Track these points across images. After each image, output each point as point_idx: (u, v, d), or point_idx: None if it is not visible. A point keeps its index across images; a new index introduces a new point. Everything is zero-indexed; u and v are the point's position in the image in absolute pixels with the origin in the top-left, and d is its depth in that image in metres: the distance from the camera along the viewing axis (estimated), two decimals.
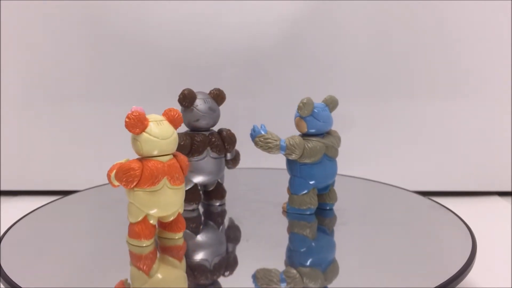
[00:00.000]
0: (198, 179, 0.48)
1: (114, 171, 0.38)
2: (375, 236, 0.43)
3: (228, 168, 0.51)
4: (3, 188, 0.74)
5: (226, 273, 0.36)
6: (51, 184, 0.73)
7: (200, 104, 0.47)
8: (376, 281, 0.35)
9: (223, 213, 0.49)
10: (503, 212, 0.66)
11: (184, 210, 0.48)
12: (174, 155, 0.40)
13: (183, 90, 0.47)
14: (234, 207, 0.51)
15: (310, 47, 0.71)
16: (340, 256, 0.39)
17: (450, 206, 0.50)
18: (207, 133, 0.48)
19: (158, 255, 0.39)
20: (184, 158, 0.41)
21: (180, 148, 0.46)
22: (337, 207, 0.49)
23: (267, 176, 0.64)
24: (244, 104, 0.70)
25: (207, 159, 0.48)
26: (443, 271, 0.34)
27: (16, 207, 0.68)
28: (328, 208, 0.48)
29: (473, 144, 0.72)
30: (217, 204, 0.51)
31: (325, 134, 0.47)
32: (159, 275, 0.35)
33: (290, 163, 0.47)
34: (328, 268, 0.36)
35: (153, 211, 0.39)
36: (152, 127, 0.38)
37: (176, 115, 0.39)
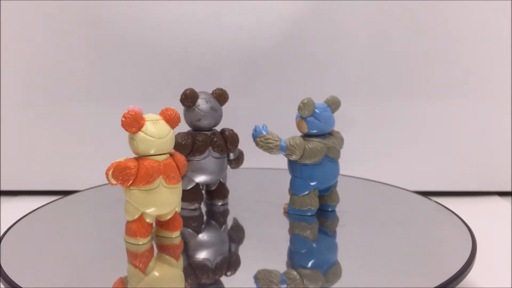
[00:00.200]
0: (199, 178, 0.48)
1: (112, 169, 0.38)
2: (375, 236, 0.43)
3: (232, 168, 0.51)
4: (3, 188, 0.74)
5: (228, 273, 0.36)
6: (51, 184, 0.73)
7: (202, 104, 0.47)
8: (376, 281, 0.35)
9: (225, 212, 0.49)
10: (503, 212, 0.66)
11: (186, 209, 0.48)
12: (171, 154, 0.40)
13: (185, 90, 0.47)
14: (237, 207, 0.51)
15: (311, 47, 0.71)
16: (340, 257, 0.39)
17: (450, 206, 0.50)
18: (209, 132, 0.48)
19: (155, 253, 0.39)
20: (181, 158, 0.41)
21: (181, 147, 0.46)
22: (338, 208, 0.49)
23: (270, 177, 0.64)
24: (245, 105, 0.70)
25: (209, 159, 0.48)
26: (443, 271, 0.34)
27: (16, 207, 0.68)
28: (330, 209, 0.48)
29: (473, 144, 0.72)
30: (220, 203, 0.51)
31: (327, 135, 0.46)
32: (156, 273, 0.36)
33: (291, 164, 0.47)
34: (329, 270, 0.36)
35: (148, 210, 0.39)
36: (148, 126, 0.38)
37: (173, 115, 0.40)
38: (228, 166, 0.51)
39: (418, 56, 0.70)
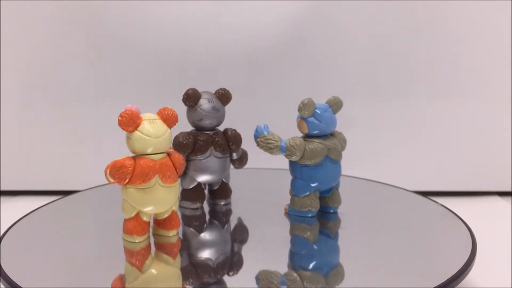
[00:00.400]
0: (202, 178, 0.48)
1: (109, 168, 0.39)
2: (375, 236, 0.43)
3: (235, 167, 0.51)
4: (3, 188, 0.74)
5: (230, 273, 0.36)
6: (51, 184, 0.73)
7: (204, 103, 0.47)
8: (376, 281, 0.35)
9: (227, 212, 0.49)
10: (503, 212, 0.66)
11: (188, 208, 0.49)
12: (169, 154, 0.40)
13: (187, 90, 0.47)
14: (239, 207, 0.51)
15: (311, 47, 0.71)
16: (341, 259, 0.39)
17: (450, 206, 0.50)
18: (211, 132, 0.48)
19: (153, 251, 0.39)
20: (179, 157, 0.41)
21: (182, 147, 0.46)
22: (339, 210, 0.49)
23: (274, 177, 0.64)
24: (245, 105, 0.70)
25: (211, 159, 0.48)
26: (443, 271, 0.34)
27: (16, 207, 0.68)
28: (331, 211, 0.48)
29: (473, 144, 0.72)
30: (222, 203, 0.51)
31: (328, 135, 0.46)
32: (152, 271, 0.36)
33: (292, 165, 0.47)
34: (330, 272, 0.36)
35: (144, 209, 0.39)
36: (145, 125, 0.38)
37: (170, 114, 0.40)
38: (232, 166, 0.51)
39: (418, 56, 0.70)
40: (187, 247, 0.41)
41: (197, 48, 0.71)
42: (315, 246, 0.41)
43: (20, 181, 0.74)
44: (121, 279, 0.35)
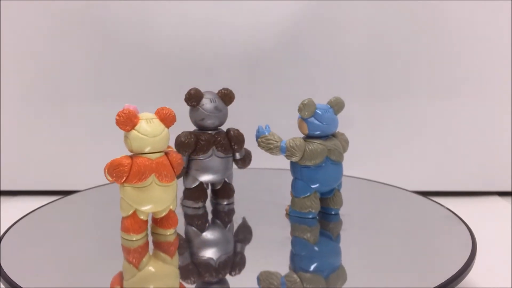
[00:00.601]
0: (204, 177, 0.49)
1: (107, 166, 0.39)
2: (375, 236, 0.43)
3: (239, 167, 0.51)
4: (3, 188, 0.74)
5: (232, 273, 0.36)
6: (51, 184, 0.73)
7: (206, 103, 0.47)
8: (376, 281, 0.35)
9: (229, 212, 0.49)
10: (503, 212, 0.66)
11: (191, 207, 0.49)
12: (166, 153, 0.41)
13: (190, 90, 0.47)
14: (242, 206, 0.51)
15: (311, 47, 0.71)
16: (342, 262, 0.39)
17: (450, 206, 0.50)
18: (213, 132, 0.48)
19: (151, 249, 0.40)
20: (177, 156, 0.41)
21: (184, 146, 0.46)
22: (340, 211, 0.48)
23: (278, 177, 0.63)
24: (247, 105, 0.70)
25: (213, 158, 0.48)
26: (443, 271, 0.34)
27: (16, 207, 0.68)
28: (333, 213, 0.48)
29: (473, 144, 0.72)
30: (225, 203, 0.51)
31: (330, 136, 0.46)
32: (149, 269, 0.36)
33: (292, 165, 0.46)
34: (330, 274, 0.35)
35: (141, 207, 0.40)
36: (142, 125, 0.39)
37: (168, 114, 0.40)
38: (236, 166, 0.51)
39: (418, 56, 0.70)
40: (188, 246, 0.41)
41: (198, 48, 0.71)
42: (315, 248, 0.41)
43: (20, 181, 0.74)
44: (121, 276, 0.35)
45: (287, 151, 0.45)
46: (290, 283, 0.34)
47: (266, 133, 0.46)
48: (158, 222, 0.42)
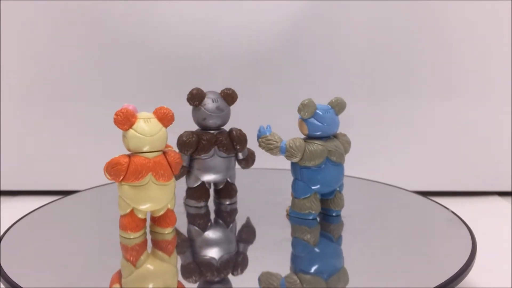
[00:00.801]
0: (206, 177, 0.49)
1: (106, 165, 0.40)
2: (375, 236, 0.43)
3: (242, 167, 0.51)
4: (3, 188, 0.74)
5: (234, 273, 0.36)
6: (51, 184, 0.73)
7: (208, 103, 0.47)
8: (376, 280, 0.35)
9: (231, 212, 0.49)
10: (503, 212, 0.66)
11: (193, 207, 0.49)
12: (165, 152, 0.41)
13: (192, 89, 0.47)
14: (244, 206, 0.51)
15: (311, 47, 0.71)
16: (341, 262, 0.39)
17: (450, 206, 0.50)
18: (215, 132, 0.48)
19: (149, 248, 0.40)
20: (175, 155, 0.41)
21: (185, 145, 0.46)
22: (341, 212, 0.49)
23: (282, 178, 0.63)
24: (247, 105, 0.70)
25: (215, 158, 0.48)
26: (443, 271, 0.34)
27: (16, 207, 0.68)
28: (334, 214, 0.47)
29: (473, 144, 0.72)
30: (227, 203, 0.51)
31: (331, 137, 0.46)
32: (147, 267, 0.36)
33: (293, 166, 0.46)
34: (331, 276, 0.35)
35: (138, 206, 0.40)
36: (139, 124, 0.39)
37: (166, 113, 0.40)
38: (239, 166, 0.51)
39: (418, 56, 0.70)
40: (190, 246, 0.41)
41: (198, 48, 0.71)
42: (316, 249, 0.41)
43: (20, 181, 0.74)
44: (120, 275, 0.35)
45: (286, 151, 0.44)
46: (290, 284, 0.34)
47: (267, 133, 0.45)
48: (156, 220, 0.43)
